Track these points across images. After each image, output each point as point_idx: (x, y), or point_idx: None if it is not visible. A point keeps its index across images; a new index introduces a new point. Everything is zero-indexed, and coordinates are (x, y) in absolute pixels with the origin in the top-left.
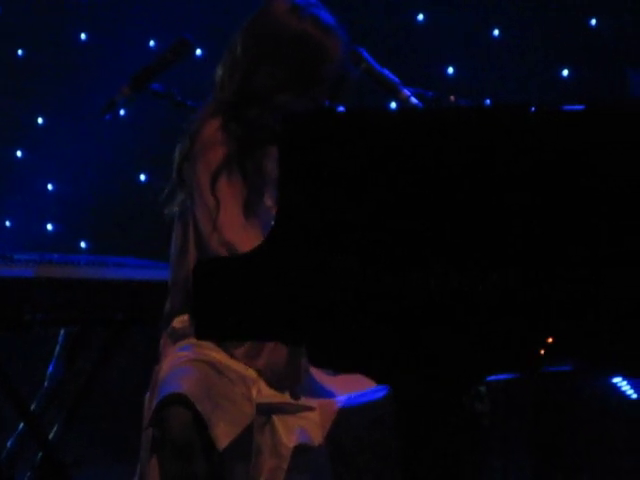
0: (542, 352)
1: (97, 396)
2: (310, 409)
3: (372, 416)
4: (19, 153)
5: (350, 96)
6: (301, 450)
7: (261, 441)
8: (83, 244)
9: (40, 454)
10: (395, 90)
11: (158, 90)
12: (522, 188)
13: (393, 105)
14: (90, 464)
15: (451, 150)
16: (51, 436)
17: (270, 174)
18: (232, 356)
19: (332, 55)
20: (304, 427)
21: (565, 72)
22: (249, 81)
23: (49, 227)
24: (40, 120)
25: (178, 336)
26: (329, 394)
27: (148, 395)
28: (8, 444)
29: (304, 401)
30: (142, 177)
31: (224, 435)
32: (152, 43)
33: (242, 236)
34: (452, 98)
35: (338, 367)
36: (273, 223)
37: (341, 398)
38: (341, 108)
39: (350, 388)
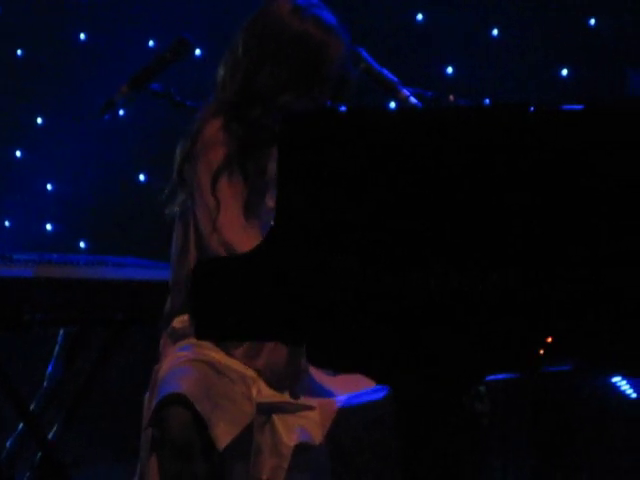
0: (542, 352)
1: (96, 396)
2: (310, 408)
3: (372, 416)
4: (18, 153)
5: (351, 96)
6: (301, 449)
7: (261, 440)
8: (82, 244)
9: (39, 454)
10: (394, 90)
11: (157, 90)
12: (521, 188)
13: (392, 105)
14: (90, 464)
15: (450, 150)
16: (50, 436)
17: (272, 175)
18: (231, 356)
19: (334, 55)
20: (304, 426)
21: (564, 72)
22: (251, 81)
23: (48, 227)
24: (39, 120)
25: (178, 336)
26: (329, 394)
27: (148, 395)
28: (8, 444)
29: (304, 400)
30: (141, 177)
31: (224, 435)
32: (151, 43)
33: (242, 237)
34: (451, 98)
35: (338, 367)
36: (272, 223)
37: (341, 398)
38: (341, 108)
39: (350, 388)
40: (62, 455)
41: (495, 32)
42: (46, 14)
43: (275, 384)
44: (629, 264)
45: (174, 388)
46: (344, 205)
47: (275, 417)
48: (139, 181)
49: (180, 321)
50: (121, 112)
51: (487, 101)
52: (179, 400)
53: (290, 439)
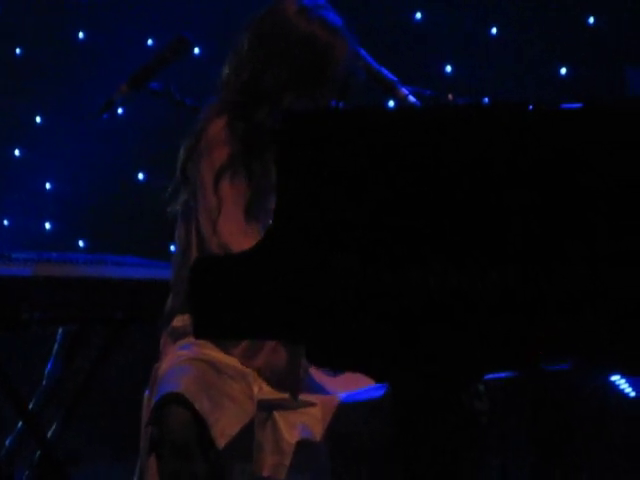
0: (541, 350)
1: (96, 394)
2: (311, 405)
3: (372, 412)
4: (17, 152)
5: (357, 96)
6: (303, 446)
7: (263, 438)
8: (81, 243)
9: (39, 452)
10: (393, 88)
11: (157, 89)
12: (520, 186)
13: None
14: (89, 462)
15: (449, 148)
16: (50, 434)
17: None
18: (230, 355)
19: (339, 57)
20: (305, 423)
21: (563, 70)
22: (256, 81)
23: (47, 226)
24: (38, 119)
25: (178, 335)
26: (329, 393)
27: (147, 393)
28: (7, 443)
29: (305, 397)
30: (140, 176)
31: (223, 433)
32: (151, 42)
33: (240, 240)
34: (450, 96)
35: (337, 365)
36: (271, 221)
37: (341, 395)
38: (340, 106)
39: (350, 387)
40: (61, 453)
41: (494, 31)
42: (45, 13)
43: (275, 384)
44: (628, 262)
45: (173, 387)
46: (343, 203)
47: (276, 414)
48: (138, 180)
49: (180, 320)
50: (120, 111)
51: (486, 100)
52: (178, 399)
53: (292, 436)
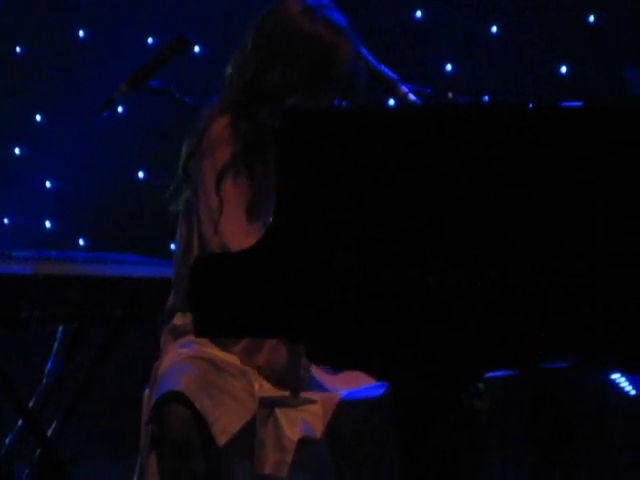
0: (540, 349)
1: (96, 393)
2: (312, 402)
3: (372, 410)
4: (17, 150)
5: (361, 96)
6: (304, 443)
7: (264, 435)
8: (81, 241)
9: (39, 451)
10: (393, 87)
11: (157, 87)
12: (520, 185)
13: (391, 102)
14: (89, 460)
15: (449, 147)
16: (50, 433)
17: None
18: (231, 354)
19: (343, 57)
20: (307, 420)
21: (563, 69)
22: (260, 80)
23: (47, 224)
24: (38, 117)
25: (179, 333)
26: (329, 391)
27: (148, 392)
28: (7, 441)
29: (305, 395)
30: (140, 174)
31: (224, 431)
32: (150, 40)
33: (242, 240)
34: (450, 95)
35: (337, 364)
36: (271, 220)
37: (342, 393)
38: (340, 105)
39: (350, 385)
40: (61, 452)
41: (494, 29)
42: (45, 12)
43: (275, 383)
44: (627, 261)
45: (173, 385)
46: (342, 202)
47: (278, 411)
48: (138, 178)
49: (181, 318)
50: (120, 110)
51: (486, 98)
52: (178, 398)
53: (293, 433)
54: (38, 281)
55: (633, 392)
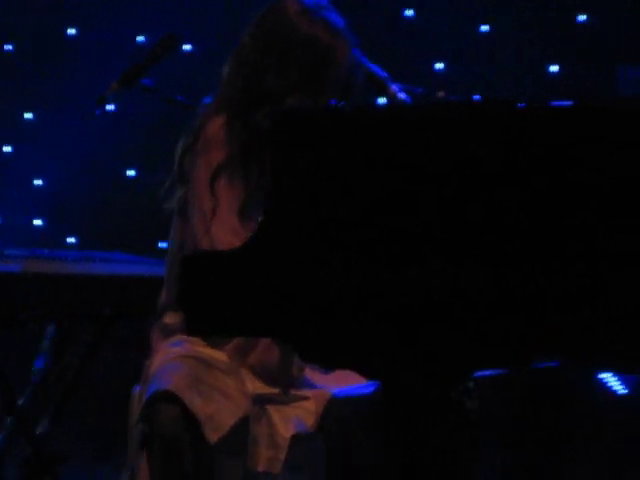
0: (537, 348)
1: (85, 391)
2: (305, 398)
3: (363, 407)
4: (7, 148)
5: (358, 96)
6: (298, 439)
7: (257, 432)
8: (72, 239)
9: (28, 450)
10: (383, 86)
11: (148, 85)
12: (514, 185)
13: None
14: (78, 459)
15: (441, 146)
16: (39, 431)
17: None
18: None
19: (341, 58)
20: (300, 416)
21: (555, 68)
22: (257, 80)
23: (37, 222)
24: (28, 115)
25: (170, 331)
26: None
27: (138, 390)
28: None
29: (298, 392)
30: (130, 173)
31: (215, 430)
32: (142, 39)
33: (233, 242)
34: (441, 94)
35: (328, 363)
36: (262, 218)
37: (333, 390)
38: (334, 104)
39: (341, 384)
40: (50, 450)
41: (485, 28)
42: (36, 10)
43: (267, 382)
44: (622, 260)
45: (164, 384)
46: (334, 201)
47: (271, 408)
48: (128, 176)
49: (172, 317)
50: (111, 108)
51: (477, 97)
52: (168, 397)
53: (287, 430)
54: (27, 279)
55: (623, 391)
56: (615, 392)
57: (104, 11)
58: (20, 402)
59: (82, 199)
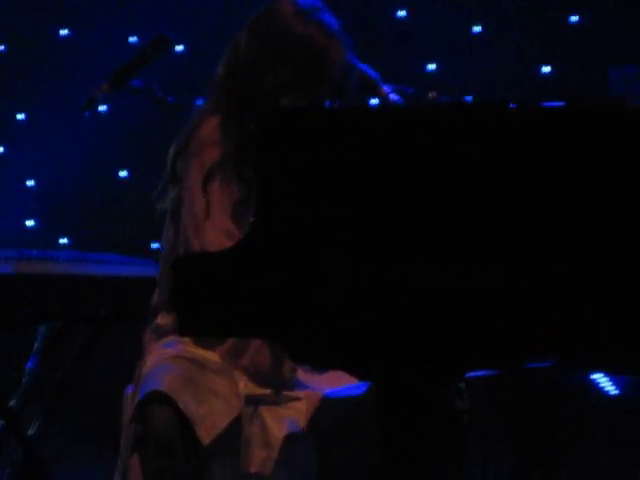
0: (529, 348)
1: (78, 392)
2: (297, 399)
3: (354, 407)
4: (0, 149)
5: (352, 97)
6: (290, 440)
7: (250, 433)
8: (64, 240)
9: (20, 451)
10: (375, 86)
11: (139, 86)
12: (505, 184)
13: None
14: (71, 460)
15: (432, 146)
16: (31, 432)
17: None
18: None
19: (335, 60)
20: (292, 416)
21: (546, 69)
22: (252, 81)
23: (29, 223)
24: (20, 116)
25: (162, 332)
26: (313, 389)
27: (131, 391)
28: None
29: (289, 393)
30: (123, 173)
31: (208, 430)
32: (133, 39)
33: (225, 244)
34: (433, 95)
35: (320, 363)
36: (253, 218)
37: (325, 391)
38: (324, 104)
39: (332, 385)
40: (43, 451)
41: (478, 29)
42: (27, 10)
43: (260, 383)
44: (611, 260)
45: (156, 385)
46: (326, 201)
47: (263, 409)
48: (120, 177)
49: (165, 318)
50: (103, 108)
51: (469, 98)
52: (161, 398)
53: (279, 430)
54: (19, 280)
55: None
56: (607, 393)
57: (96, 12)
58: (11, 403)
59: (74, 200)
